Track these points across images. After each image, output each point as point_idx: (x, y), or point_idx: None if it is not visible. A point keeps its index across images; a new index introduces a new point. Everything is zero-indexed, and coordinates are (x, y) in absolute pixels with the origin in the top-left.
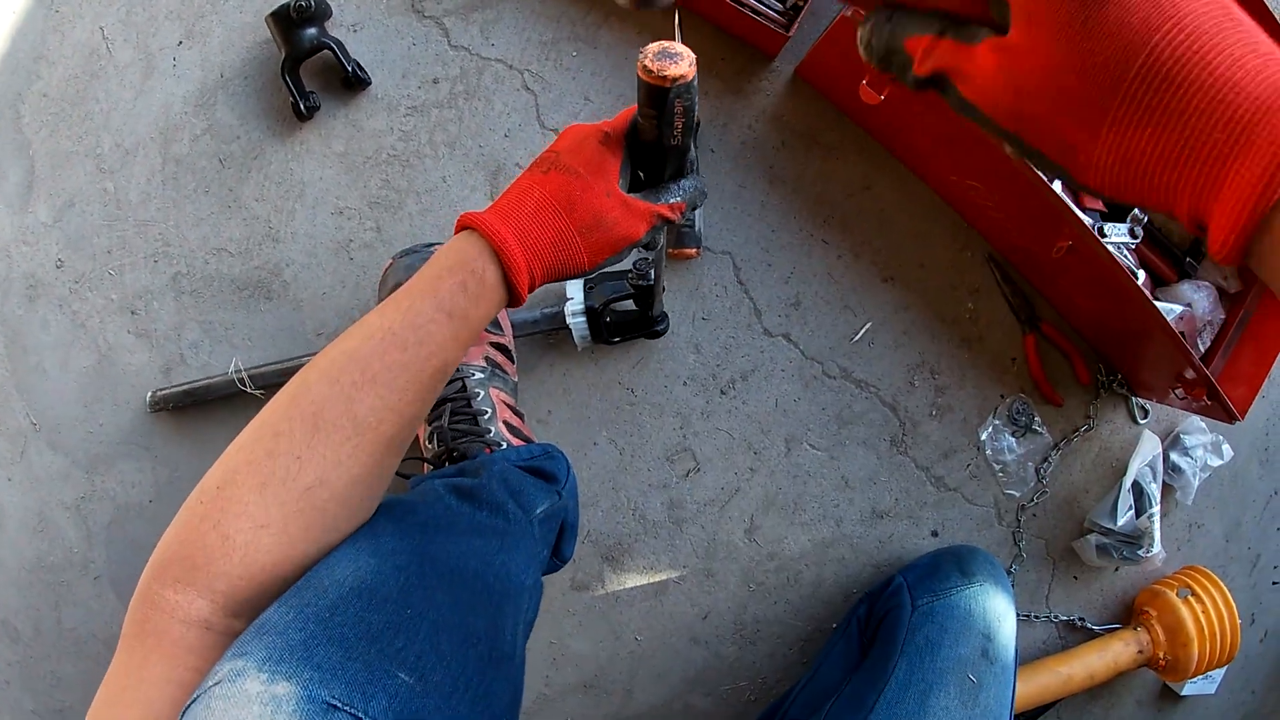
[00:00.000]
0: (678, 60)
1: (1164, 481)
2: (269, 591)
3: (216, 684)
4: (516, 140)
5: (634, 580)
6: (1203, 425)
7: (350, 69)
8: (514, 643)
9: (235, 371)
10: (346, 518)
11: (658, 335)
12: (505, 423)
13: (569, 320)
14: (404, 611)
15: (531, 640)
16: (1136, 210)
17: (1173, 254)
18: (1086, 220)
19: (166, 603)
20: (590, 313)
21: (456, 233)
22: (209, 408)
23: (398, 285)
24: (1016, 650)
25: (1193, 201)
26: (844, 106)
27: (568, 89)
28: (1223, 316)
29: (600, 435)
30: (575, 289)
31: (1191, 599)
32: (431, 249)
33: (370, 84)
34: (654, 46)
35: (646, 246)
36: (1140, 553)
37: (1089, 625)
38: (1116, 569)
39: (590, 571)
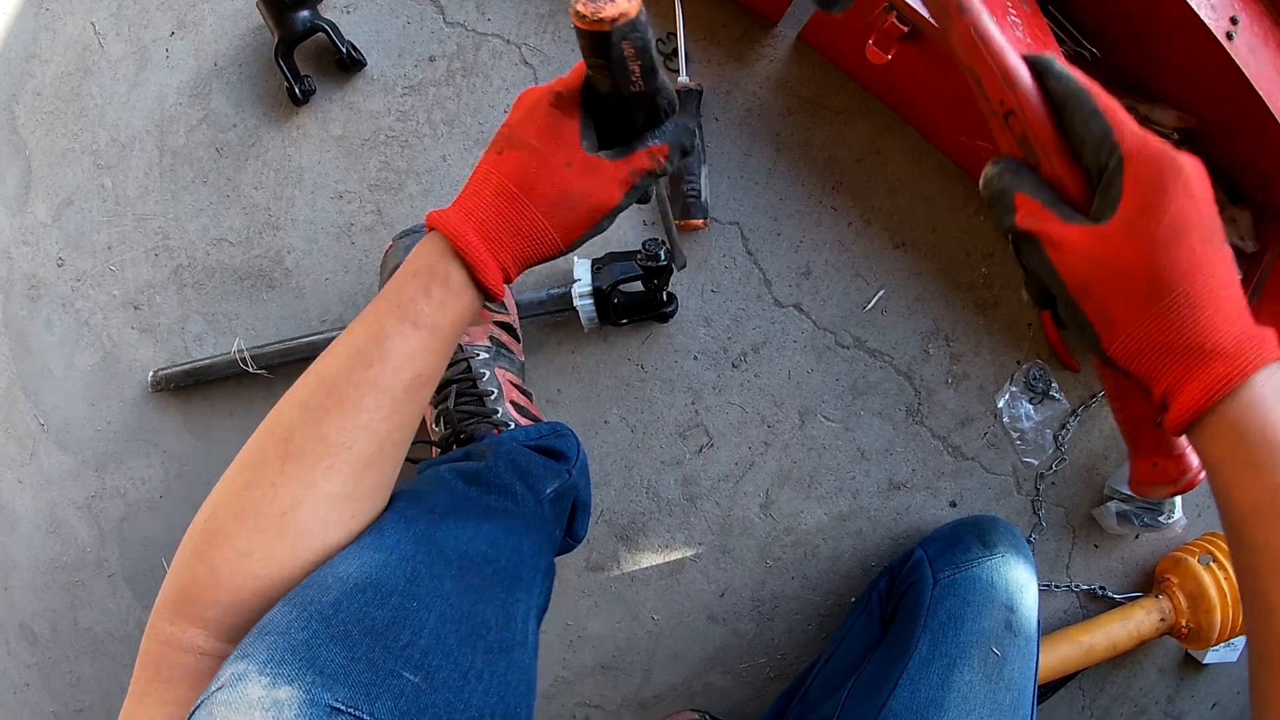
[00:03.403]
0: None
1: None
2: (262, 613)
3: (219, 689)
4: None
5: (649, 559)
6: None
7: (345, 50)
8: (525, 627)
9: (237, 350)
10: (336, 532)
11: (667, 318)
12: (513, 402)
13: (576, 303)
14: (409, 604)
15: (548, 622)
16: None
17: None
18: None
19: (166, 636)
20: (598, 294)
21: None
22: (214, 399)
23: (397, 267)
24: (1039, 621)
25: (1166, 387)
26: (850, 70)
27: (567, 61)
28: (1240, 277)
29: (611, 413)
30: (583, 269)
31: (1213, 565)
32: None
33: (366, 65)
34: None
35: (641, 201)
36: (1161, 519)
37: (1110, 594)
38: (1137, 537)
39: (605, 551)
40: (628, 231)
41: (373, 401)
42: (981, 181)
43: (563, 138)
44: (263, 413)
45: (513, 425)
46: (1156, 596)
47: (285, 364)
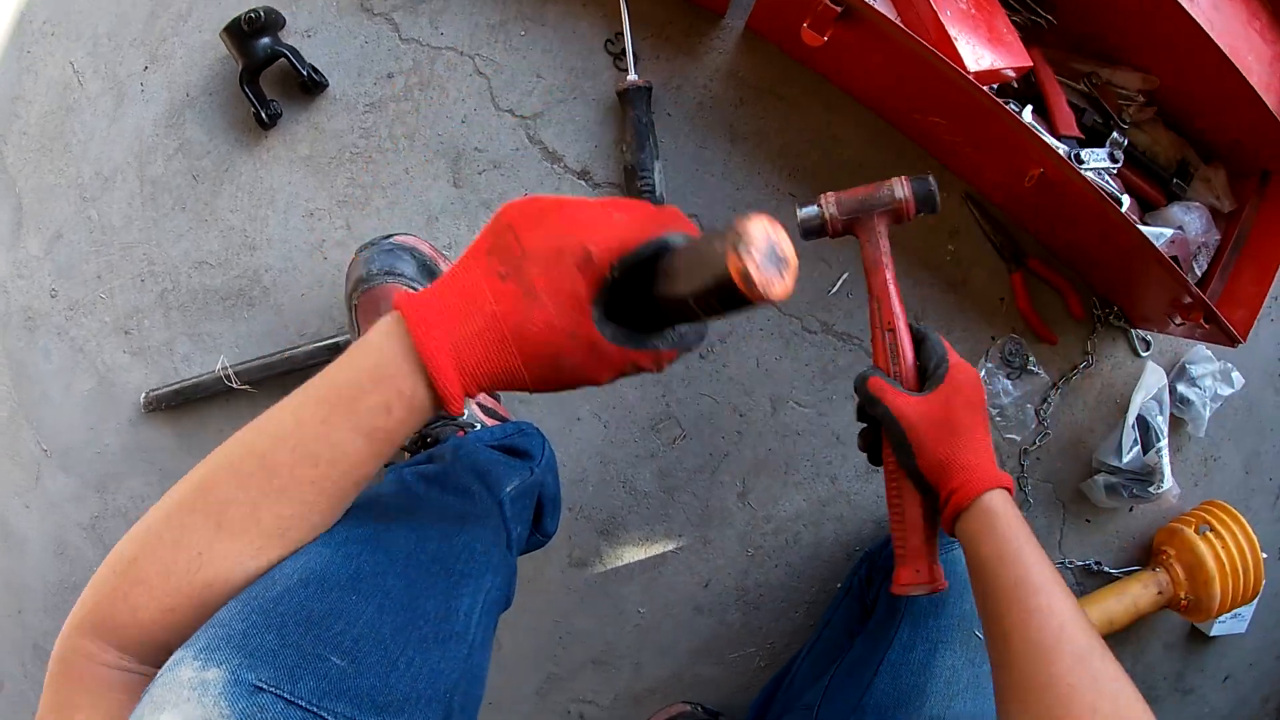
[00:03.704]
0: (785, 270)
1: (1173, 414)
2: (179, 644)
3: (158, 675)
4: (473, 125)
5: (631, 553)
6: (1209, 353)
7: (306, 73)
8: (469, 621)
9: (221, 368)
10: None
11: None
12: (479, 404)
13: None
14: (349, 597)
15: (537, 620)
16: (1115, 134)
17: (1159, 176)
18: (1061, 148)
19: (86, 650)
20: None
21: (396, 314)
22: (205, 415)
23: (361, 279)
24: None
25: (950, 489)
26: (800, 56)
27: (519, 69)
28: (1218, 237)
29: (583, 410)
30: None
31: (1210, 535)
32: (389, 240)
33: (328, 86)
34: (758, 232)
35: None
36: (1151, 490)
37: (1106, 569)
38: (1131, 509)
39: (586, 548)
40: None
41: (313, 497)
42: (855, 380)
43: (577, 305)
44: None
45: (479, 426)
46: (1153, 569)
47: (267, 378)
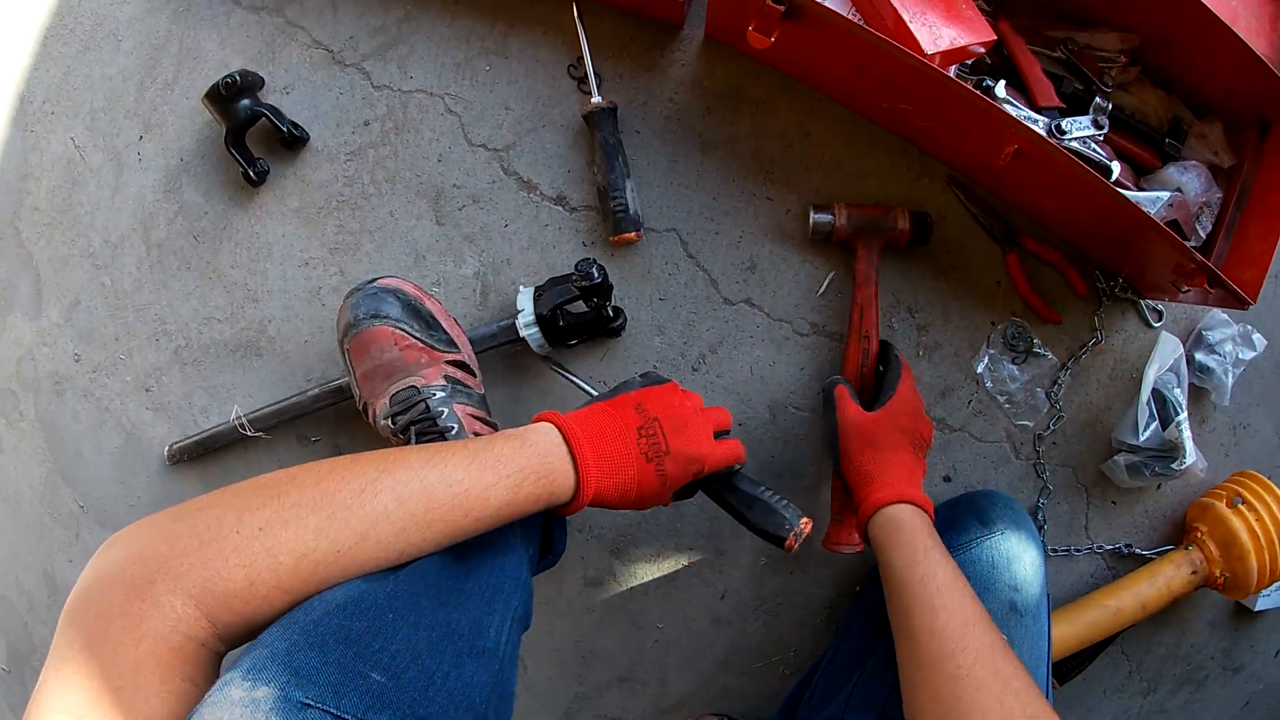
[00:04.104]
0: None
1: (1193, 384)
2: (258, 632)
3: (208, 696)
4: (449, 163)
5: (644, 570)
6: (1225, 317)
7: (286, 129)
8: (499, 637)
9: (236, 418)
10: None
11: (616, 333)
12: (475, 434)
13: (522, 333)
14: (386, 616)
15: (559, 642)
16: (1098, 99)
17: (1150, 138)
18: (1041, 120)
19: (173, 611)
20: (542, 320)
21: (555, 427)
22: (226, 463)
23: (350, 324)
24: (1047, 596)
25: (861, 497)
26: (762, 58)
27: (488, 103)
28: (1219, 195)
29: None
30: (525, 299)
31: (1243, 507)
32: (373, 284)
33: (310, 139)
34: (807, 529)
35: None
36: (1174, 466)
37: (1138, 551)
38: (1159, 486)
39: (600, 567)
40: (570, 255)
41: (443, 537)
42: (825, 383)
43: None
44: (268, 471)
45: None
46: (1186, 548)
47: (279, 424)
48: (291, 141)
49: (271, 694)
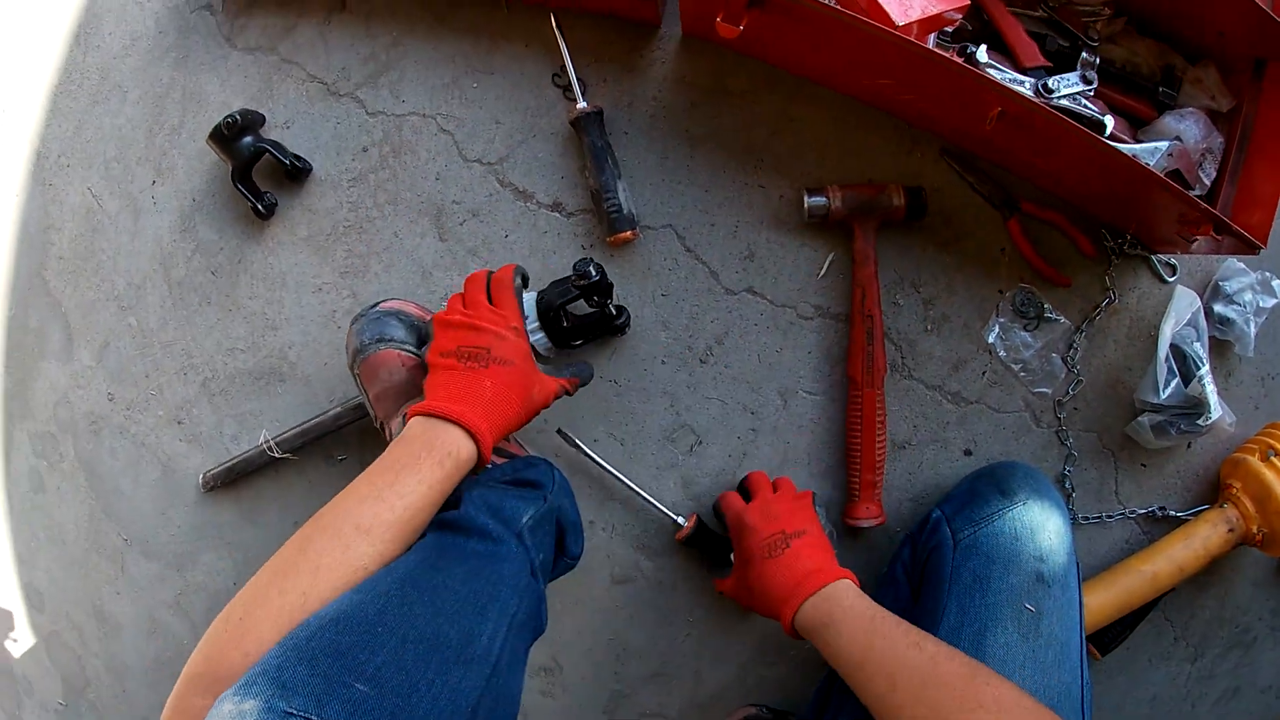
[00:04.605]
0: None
1: (1214, 337)
2: None
3: (206, 717)
4: (447, 180)
5: (670, 563)
6: (1242, 266)
7: (289, 162)
8: (492, 644)
9: (264, 442)
10: None
11: (621, 330)
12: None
13: (529, 339)
14: (375, 630)
15: (591, 642)
16: (1085, 54)
17: (1143, 89)
18: (1027, 82)
19: (196, 709)
20: (546, 322)
21: (418, 415)
22: (259, 487)
23: (358, 350)
24: (1077, 564)
25: (778, 616)
26: (740, 48)
27: (479, 119)
28: (1221, 140)
29: (598, 431)
30: (529, 305)
31: (1277, 460)
32: (376, 309)
33: (312, 169)
34: None
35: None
36: (1200, 422)
37: (1172, 513)
38: (1188, 445)
39: (626, 563)
40: (571, 259)
41: (390, 535)
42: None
43: (525, 357)
44: (299, 494)
45: (490, 466)
46: (1221, 506)
47: (305, 444)
48: (295, 173)
49: (257, 705)
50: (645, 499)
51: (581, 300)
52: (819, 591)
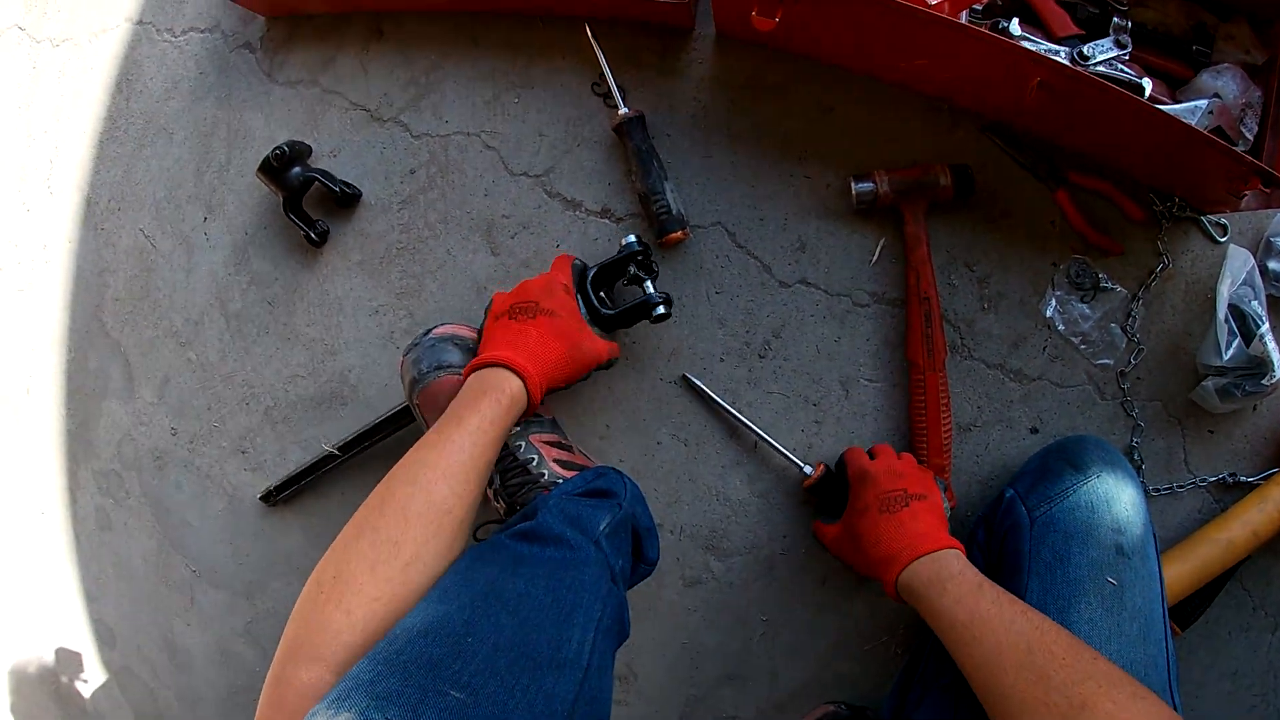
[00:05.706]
0: None
1: (1271, 295)
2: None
3: None
4: (495, 195)
5: (740, 562)
6: None
7: (338, 189)
8: (581, 649)
9: (326, 446)
10: (433, 579)
11: (661, 319)
12: (555, 460)
13: None
14: (465, 640)
15: (664, 646)
16: (1117, 19)
17: (1178, 49)
18: (1062, 50)
19: (297, 680)
20: (585, 296)
21: (475, 369)
22: (325, 511)
23: (414, 380)
24: (1155, 536)
25: (881, 579)
26: (774, 42)
27: (523, 133)
28: (1259, 93)
29: (661, 433)
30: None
31: None
32: (429, 336)
33: (362, 195)
34: None
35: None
36: (1265, 382)
37: (1243, 479)
38: (1255, 408)
39: (696, 565)
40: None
41: (465, 474)
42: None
43: (574, 311)
44: (364, 498)
45: (560, 482)
46: None
47: (364, 443)
48: (345, 200)
49: (352, 718)
50: (772, 445)
51: (623, 281)
52: (929, 554)
